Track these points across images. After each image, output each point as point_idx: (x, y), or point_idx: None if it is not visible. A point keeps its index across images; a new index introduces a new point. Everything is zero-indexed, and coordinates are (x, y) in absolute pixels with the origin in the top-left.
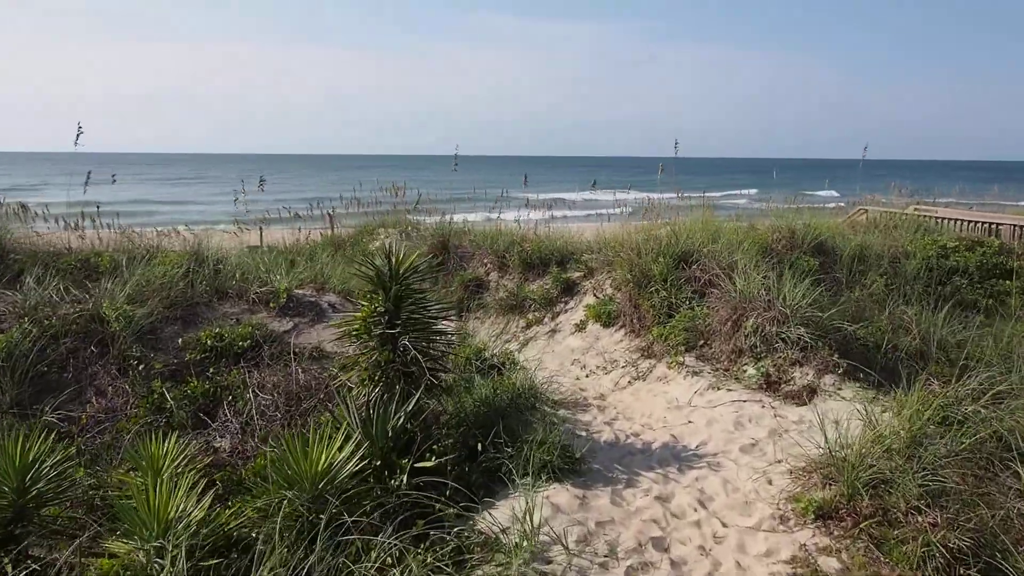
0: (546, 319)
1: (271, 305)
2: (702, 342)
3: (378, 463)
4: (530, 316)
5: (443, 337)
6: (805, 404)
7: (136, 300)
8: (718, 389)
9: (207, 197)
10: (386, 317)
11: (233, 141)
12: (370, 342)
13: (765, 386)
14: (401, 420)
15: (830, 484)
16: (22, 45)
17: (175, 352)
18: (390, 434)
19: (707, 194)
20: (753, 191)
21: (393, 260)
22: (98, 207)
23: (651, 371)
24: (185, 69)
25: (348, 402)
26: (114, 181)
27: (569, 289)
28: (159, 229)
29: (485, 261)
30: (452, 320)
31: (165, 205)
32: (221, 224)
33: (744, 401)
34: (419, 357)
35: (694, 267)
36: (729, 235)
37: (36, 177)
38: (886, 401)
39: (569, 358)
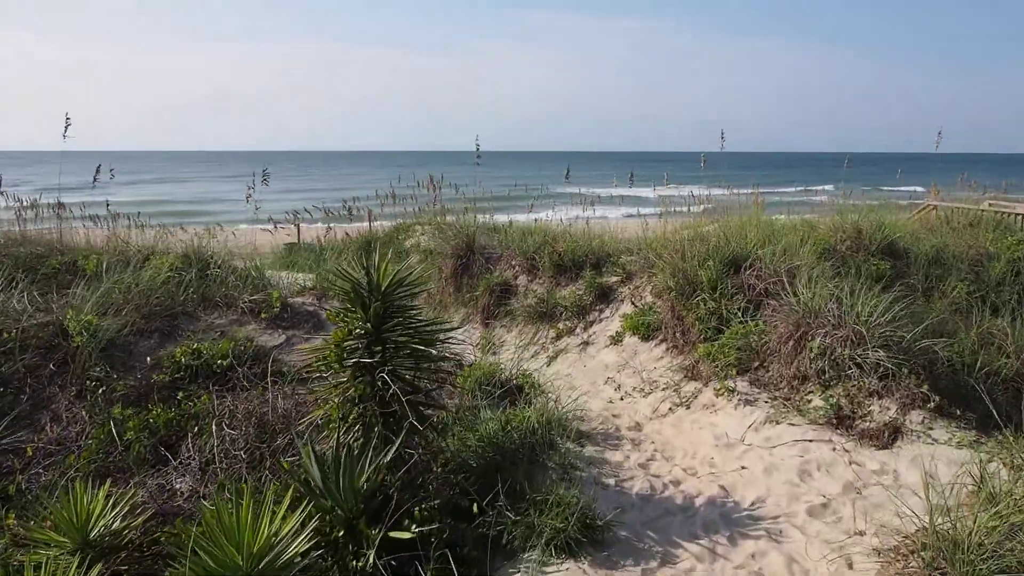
0: (578, 329)
1: (262, 315)
2: (757, 363)
3: (340, 533)
4: (561, 325)
5: (437, 364)
6: (887, 447)
7: (111, 310)
8: (777, 423)
9: (257, 195)
10: (365, 341)
11: (288, 139)
12: (342, 373)
13: (835, 422)
14: (376, 473)
15: None
16: (85, 45)
17: (146, 371)
18: (361, 493)
19: (760, 189)
20: (827, 186)
21: (373, 271)
22: (130, 209)
23: (696, 396)
24: (243, 69)
25: (310, 449)
26: (148, 178)
27: (604, 295)
28: (186, 228)
29: (513, 263)
30: (474, 327)
31: (218, 204)
32: (258, 224)
33: (810, 441)
34: (399, 393)
35: (747, 273)
36: (787, 235)
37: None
38: (991, 446)
39: (602, 376)
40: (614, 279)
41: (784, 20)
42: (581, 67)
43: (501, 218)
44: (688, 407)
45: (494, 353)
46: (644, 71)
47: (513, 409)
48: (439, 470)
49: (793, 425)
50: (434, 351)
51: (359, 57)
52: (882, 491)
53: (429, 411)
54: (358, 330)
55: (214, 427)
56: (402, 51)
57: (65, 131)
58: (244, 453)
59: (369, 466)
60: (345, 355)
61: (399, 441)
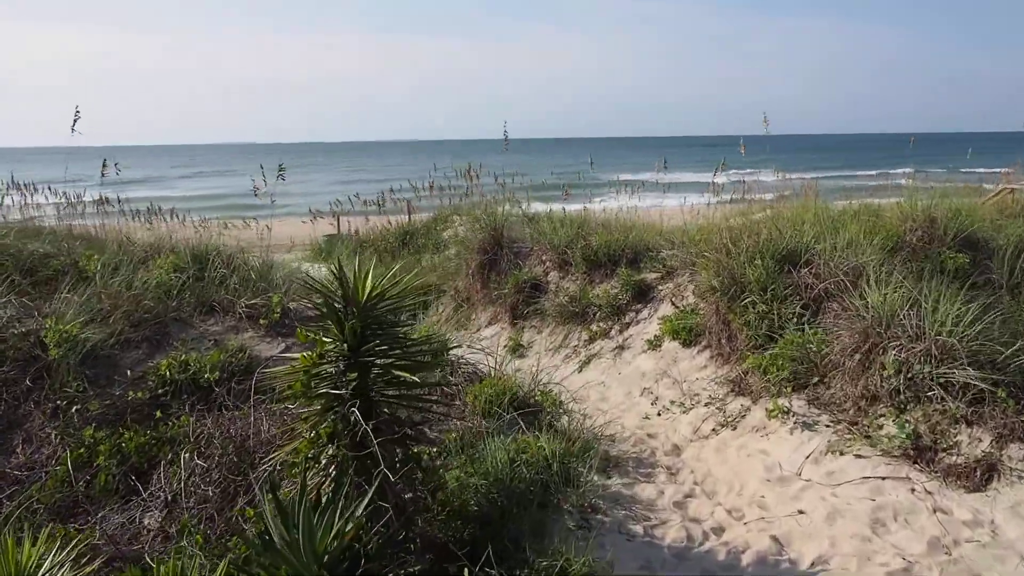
0: (613, 331)
1: (261, 321)
2: (816, 379)
3: None
4: (594, 327)
5: (431, 391)
6: (980, 490)
7: (99, 316)
8: (841, 454)
9: (300, 186)
10: (340, 367)
11: (339, 130)
12: (311, 406)
13: (913, 454)
14: (346, 529)
15: None
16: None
17: (126, 386)
18: (325, 556)
19: (814, 174)
20: (908, 169)
21: (348, 281)
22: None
23: (743, 416)
24: (294, 59)
25: (274, 494)
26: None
27: (642, 294)
28: (227, 222)
29: (544, 258)
30: (502, 327)
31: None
32: (294, 216)
33: (883, 479)
34: (370, 433)
35: (804, 271)
36: (849, 226)
37: (158, 170)
38: None
39: (638, 385)
40: (653, 276)
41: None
42: (615, 52)
43: (539, 207)
44: (734, 428)
45: (521, 356)
46: (680, 54)
47: (528, 435)
48: (433, 514)
49: (861, 457)
50: (420, 378)
51: (407, 47)
52: (978, 551)
53: (417, 448)
54: (331, 353)
55: (185, 455)
56: (442, 38)
57: (73, 125)
58: (215, 489)
59: (339, 519)
60: (313, 384)
61: (372, 491)
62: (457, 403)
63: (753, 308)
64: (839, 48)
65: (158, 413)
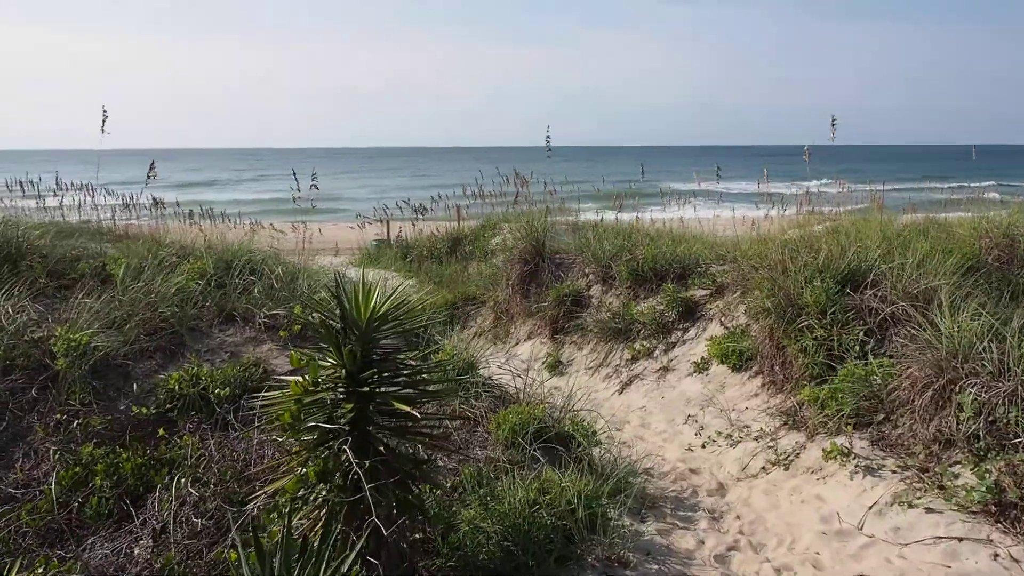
0: (657, 351)
1: (282, 333)
2: (882, 417)
3: None
4: (637, 346)
5: (435, 425)
6: None
7: (116, 324)
8: (910, 506)
9: (362, 191)
10: (335, 396)
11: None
12: (302, 440)
13: (995, 511)
14: None
15: None
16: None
17: (132, 400)
18: None
19: (881, 186)
20: (990, 182)
21: (350, 303)
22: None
23: (797, 454)
24: (350, 66)
25: (249, 545)
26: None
27: (689, 312)
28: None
29: (587, 271)
30: (542, 342)
31: (331, 200)
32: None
33: (960, 540)
34: (361, 475)
35: (867, 293)
36: (918, 242)
37: (225, 172)
38: None
39: (682, 412)
40: (701, 293)
41: (879, 4)
42: (673, 58)
43: (589, 217)
44: (786, 468)
45: (560, 374)
46: (742, 62)
47: (552, 471)
48: (442, 561)
49: (932, 511)
50: (428, 410)
51: (475, 53)
52: None
53: (420, 489)
54: (327, 382)
55: (179, 481)
56: (507, 45)
57: (103, 126)
58: (208, 520)
59: (325, 572)
60: (303, 416)
61: (361, 543)
62: (480, 431)
63: (810, 333)
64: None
65: (161, 431)
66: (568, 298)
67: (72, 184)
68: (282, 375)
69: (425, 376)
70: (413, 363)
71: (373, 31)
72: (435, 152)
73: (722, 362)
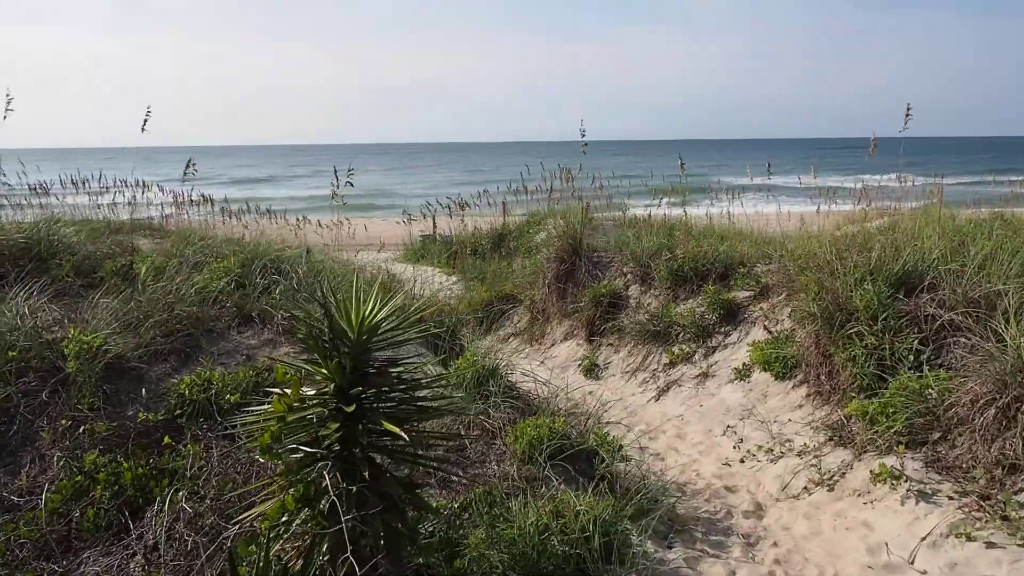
0: (697, 356)
1: (299, 336)
2: (937, 435)
3: None
4: (676, 349)
5: (431, 444)
6: None
7: (133, 325)
8: (968, 539)
9: (415, 186)
10: (324, 412)
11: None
12: (285, 461)
13: None
14: None
15: None
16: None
17: (141, 405)
18: None
19: (942, 180)
20: None
21: (336, 312)
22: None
23: (843, 474)
24: (428, 64)
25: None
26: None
27: (731, 315)
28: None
29: (625, 270)
30: (578, 343)
31: (383, 197)
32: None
33: None
34: (337, 502)
35: (924, 298)
36: (982, 242)
37: (282, 168)
38: None
39: (720, 422)
40: (744, 295)
41: None
42: (730, 50)
43: (638, 212)
44: (831, 489)
45: (596, 377)
46: (813, 53)
47: (569, 491)
48: None
49: (994, 546)
50: (425, 430)
51: (512, 45)
52: None
53: (413, 515)
54: (314, 399)
55: (176, 494)
56: (556, 38)
57: (144, 125)
58: (203, 538)
59: None
60: (284, 436)
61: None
62: (498, 443)
63: (860, 340)
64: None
65: (167, 439)
66: (605, 298)
67: (129, 181)
68: (269, 387)
69: (425, 392)
70: (411, 377)
71: (420, 26)
72: (486, 147)
73: (764, 369)
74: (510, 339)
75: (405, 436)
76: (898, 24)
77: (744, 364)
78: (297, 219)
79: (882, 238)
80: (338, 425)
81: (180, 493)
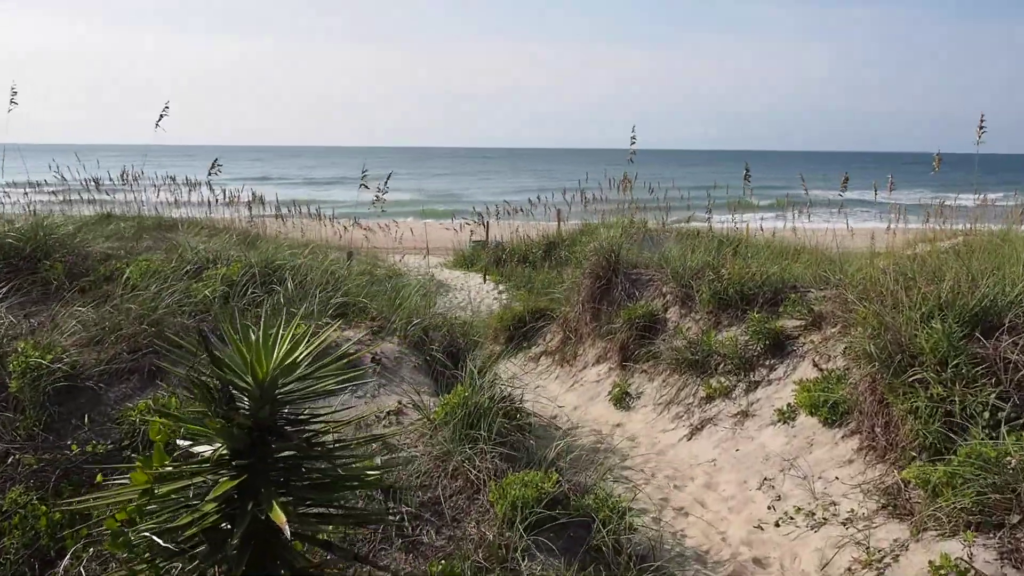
0: (737, 391)
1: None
2: (1018, 519)
3: None
4: (714, 383)
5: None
6: None
7: (102, 337)
8: None
9: (478, 191)
10: (217, 478)
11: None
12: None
13: None
14: None
15: None
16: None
17: (87, 433)
18: None
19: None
20: None
21: (233, 353)
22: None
23: (897, 556)
24: (470, 67)
25: None
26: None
27: (778, 347)
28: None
29: (664, 290)
30: (611, 368)
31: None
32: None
33: None
34: None
35: (1005, 341)
36: None
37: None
38: None
39: (757, 472)
40: (793, 324)
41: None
42: (803, 60)
43: (698, 224)
44: (882, 573)
45: (626, 408)
46: (880, 63)
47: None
48: None
49: None
50: (340, 504)
51: (595, 56)
52: None
53: None
54: (191, 467)
55: (89, 551)
56: (621, 46)
57: (159, 122)
58: None
59: None
60: (139, 520)
61: None
62: (481, 498)
63: (924, 389)
64: None
65: (99, 477)
66: (640, 320)
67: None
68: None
69: (349, 456)
70: (336, 439)
71: (492, 33)
72: (564, 153)
73: (811, 413)
74: (540, 359)
75: (286, 531)
76: (976, 32)
77: (789, 405)
78: (344, 222)
79: (956, 265)
80: (217, 505)
81: (91, 549)
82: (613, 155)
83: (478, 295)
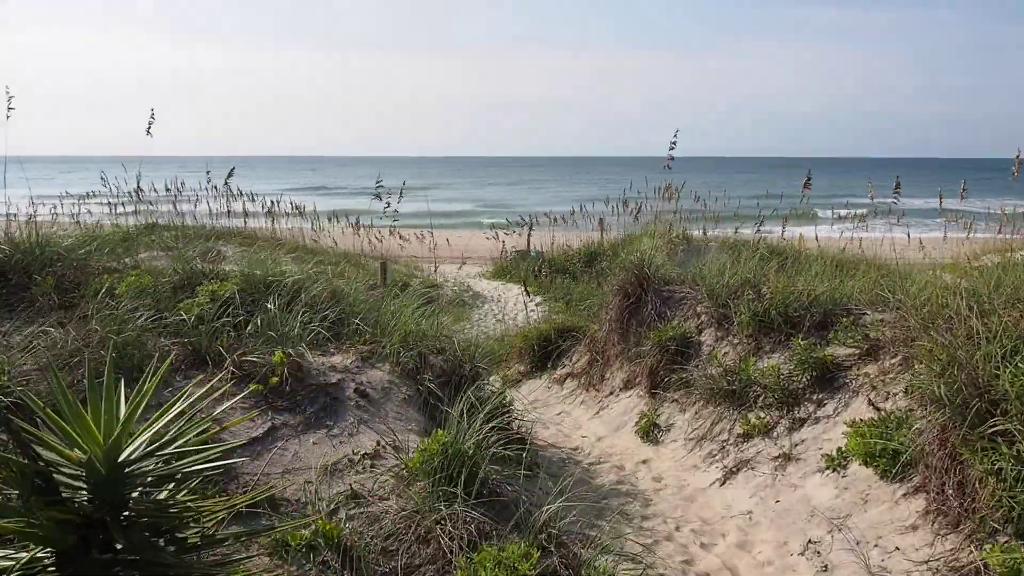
0: (778, 429)
1: (251, 386)
2: None
3: None
4: (753, 418)
5: None
6: None
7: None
8: None
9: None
10: None
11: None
12: None
13: None
14: None
15: None
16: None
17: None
18: None
19: None
20: None
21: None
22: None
23: None
24: (514, 76)
25: None
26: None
27: (827, 379)
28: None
29: (698, 309)
30: (640, 395)
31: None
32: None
33: None
34: None
35: None
36: None
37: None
38: None
39: (800, 531)
40: (846, 352)
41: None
42: (854, 64)
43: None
44: None
45: (654, 442)
46: (933, 67)
47: None
48: None
49: None
50: None
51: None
52: None
53: None
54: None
55: None
56: (670, 52)
57: (148, 128)
58: None
59: None
60: None
61: None
62: (454, 573)
63: (1009, 446)
64: None
65: None
66: (672, 344)
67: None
68: (231, 447)
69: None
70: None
71: (550, 42)
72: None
73: (866, 463)
74: (566, 381)
75: None
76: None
77: (839, 450)
78: (392, 230)
79: None
80: None
81: None
82: (684, 163)
83: (514, 307)
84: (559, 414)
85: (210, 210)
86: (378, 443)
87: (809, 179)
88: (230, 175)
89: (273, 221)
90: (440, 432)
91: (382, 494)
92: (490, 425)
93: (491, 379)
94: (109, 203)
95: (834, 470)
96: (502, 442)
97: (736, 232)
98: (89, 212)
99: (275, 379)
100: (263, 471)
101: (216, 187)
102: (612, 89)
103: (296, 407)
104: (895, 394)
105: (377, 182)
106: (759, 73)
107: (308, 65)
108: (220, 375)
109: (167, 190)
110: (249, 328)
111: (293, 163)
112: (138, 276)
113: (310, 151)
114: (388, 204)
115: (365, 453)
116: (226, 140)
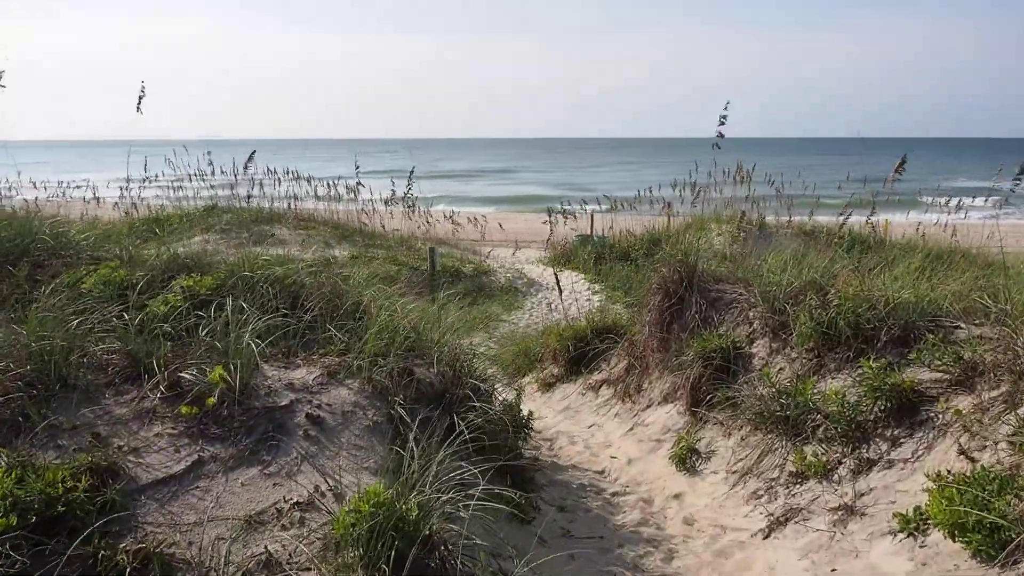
0: (841, 471)
1: (183, 410)
2: None
3: None
4: (809, 453)
5: None
6: None
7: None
8: None
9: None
10: None
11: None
12: None
13: None
14: None
15: None
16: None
17: None
18: None
19: None
20: None
21: None
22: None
23: None
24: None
25: None
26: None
27: (906, 410)
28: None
29: (750, 316)
30: (679, 411)
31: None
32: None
33: None
34: None
35: None
36: None
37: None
38: None
39: None
40: (932, 377)
41: None
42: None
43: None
44: None
45: (691, 472)
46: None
47: None
48: None
49: None
50: None
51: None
52: None
53: None
54: None
55: None
56: (742, 29)
57: (139, 104)
58: None
59: None
60: None
61: None
62: None
63: None
64: None
65: None
66: (717, 355)
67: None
68: (152, 480)
69: None
70: None
71: (624, 26)
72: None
73: (953, 536)
74: (601, 388)
75: None
76: None
77: (918, 510)
78: (450, 214)
79: None
80: None
81: None
82: (751, 144)
83: (570, 295)
84: (590, 427)
85: (269, 193)
86: (316, 488)
87: (904, 161)
88: (251, 157)
89: (330, 203)
90: (373, 488)
91: (303, 562)
92: (476, 465)
93: (522, 381)
94: (170, 186)
95: (910, 535)
96: (485, 488)
97: (811, 217)
98: (157, 196)
99: (211, 400)
100: (172, 520)
101: (285, 171)
102: (705, 67)
103: (231, 436)
104: (997, 441)
105: (410, 173)
106: (846, 50)
107: (409, 50)
108: (144, 395)
109: (242, 171)
110: (205, 334)
111: (386, 144)
112: (112, 269)
113: (406, 134)
114: (406, 194)
115: (297, 502)
116: (333, 124)
